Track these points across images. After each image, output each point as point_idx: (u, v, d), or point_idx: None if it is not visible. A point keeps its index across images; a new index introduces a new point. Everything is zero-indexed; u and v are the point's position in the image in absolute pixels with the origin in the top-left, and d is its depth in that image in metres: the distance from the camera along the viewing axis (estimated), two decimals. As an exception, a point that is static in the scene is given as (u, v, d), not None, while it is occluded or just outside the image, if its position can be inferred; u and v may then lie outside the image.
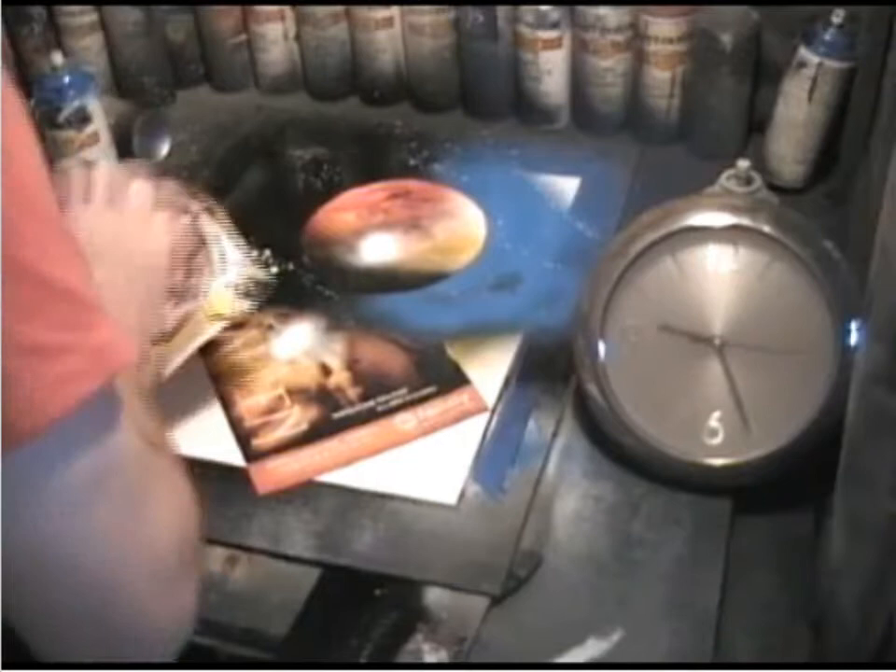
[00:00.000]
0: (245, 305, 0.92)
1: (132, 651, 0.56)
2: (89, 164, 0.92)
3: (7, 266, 0.46)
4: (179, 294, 0.88)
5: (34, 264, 0.48)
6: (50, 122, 1.12)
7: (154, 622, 0.56)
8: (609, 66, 1.23)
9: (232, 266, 0.93)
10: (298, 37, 1.36)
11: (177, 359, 0.87)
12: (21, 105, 0.51)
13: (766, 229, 0.84)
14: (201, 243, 0.92)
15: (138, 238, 0.85)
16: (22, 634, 0.56)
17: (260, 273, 0.94)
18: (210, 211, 0.94)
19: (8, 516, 0.49)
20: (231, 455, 0.90)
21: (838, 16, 1.07)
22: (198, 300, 0.89)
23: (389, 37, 1.32)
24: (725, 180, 1.07)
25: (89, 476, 0.51)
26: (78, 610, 0.54)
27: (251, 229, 1.15)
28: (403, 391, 0.94)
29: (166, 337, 0.86)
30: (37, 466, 0.49)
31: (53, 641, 0.57)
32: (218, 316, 0.91)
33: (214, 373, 0.98)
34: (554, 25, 1.23)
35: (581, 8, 1.21)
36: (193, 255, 0.91)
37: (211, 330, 0.90)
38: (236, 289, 0.92)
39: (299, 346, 1.00)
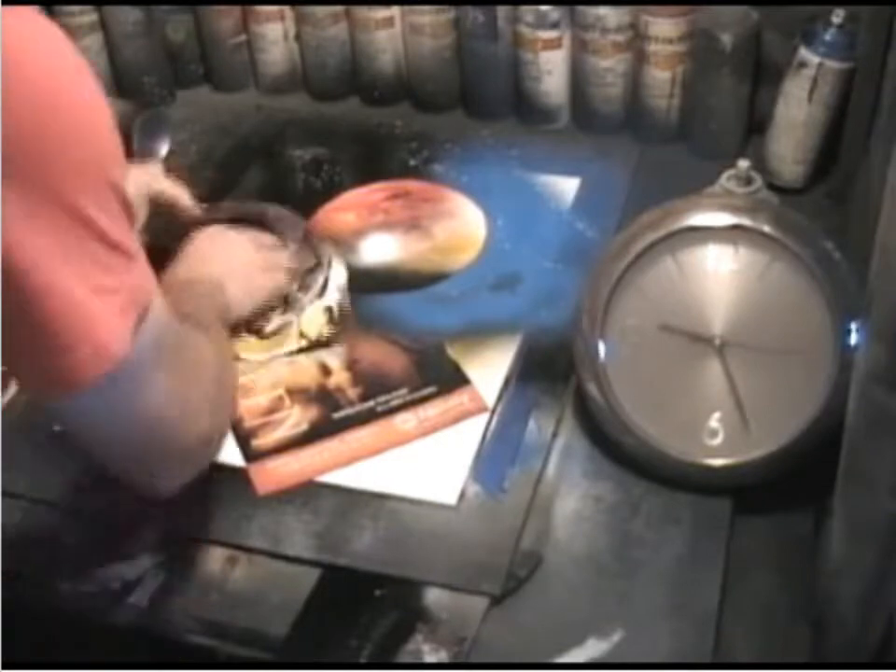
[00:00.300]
0: (328, 330, 1.00)
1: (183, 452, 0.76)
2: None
3: (86, 222, 0.62)
4: (289, 303, 1.00)
5: (99, 221, 0.63)
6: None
7: (201, 432, 0.76)
8: (609, 66, 1.23)
9: (332, 292, 1.01)
10: (298, 37, 1.37)
11: (258, 357, 0.98)
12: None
13: (766, 229, 0.84)
14: (317, 264, 1.03)
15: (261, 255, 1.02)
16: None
17: (348, 303, 1.01)
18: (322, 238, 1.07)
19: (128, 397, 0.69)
20: (231, 455, 0.90)
21: (838, 16, 1.07)
22: (297, 313, 1.00)
23: (389, 37, 1.32)
24: (725, 180, 1.07)
25: (151, 356, 0.69)
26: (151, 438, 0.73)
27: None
28: (403, 391, 0.94)
29: (263, 335, 0.99)
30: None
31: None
32: (305, 336, 0.99)
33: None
34: (554, 25, 1.23)
35: (580, 8, 1.21)
36: (310, 272, 1.02)
37: (294, 346, 0.99)
38: (329, 314, 1.00)
39: (298, 347, 1.00)
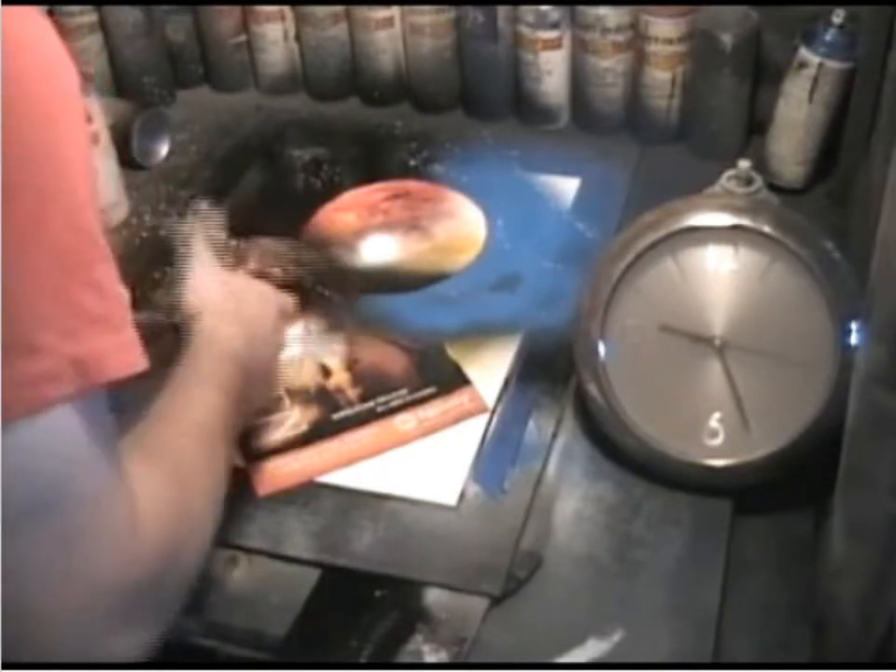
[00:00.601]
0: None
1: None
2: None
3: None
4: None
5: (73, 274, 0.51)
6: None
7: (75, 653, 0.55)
8: (609, 66, 1.23)
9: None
10: (298, 37, 1.37)
11: None
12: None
13: (767, 229, 0.84)
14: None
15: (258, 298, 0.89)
16: None
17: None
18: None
19: None
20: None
21: (838, 16, 1.07)
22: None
23: (389, 37, 1.32)
24: (726, 181, 1.07)
25: (27, 501, 0.50)
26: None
27: (251, 229, 1.15)
28: (403, 392, 0.94)
29: None
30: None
31: None
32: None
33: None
34: (554, 25, 1.23)
35: (581, 8, 1.21)
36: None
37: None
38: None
39: (299, 347, 1.00)
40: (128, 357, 0.53)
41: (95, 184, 0.54)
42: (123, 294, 0.55)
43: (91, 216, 0.53)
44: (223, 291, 0.85)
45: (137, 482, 0.58)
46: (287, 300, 0.92)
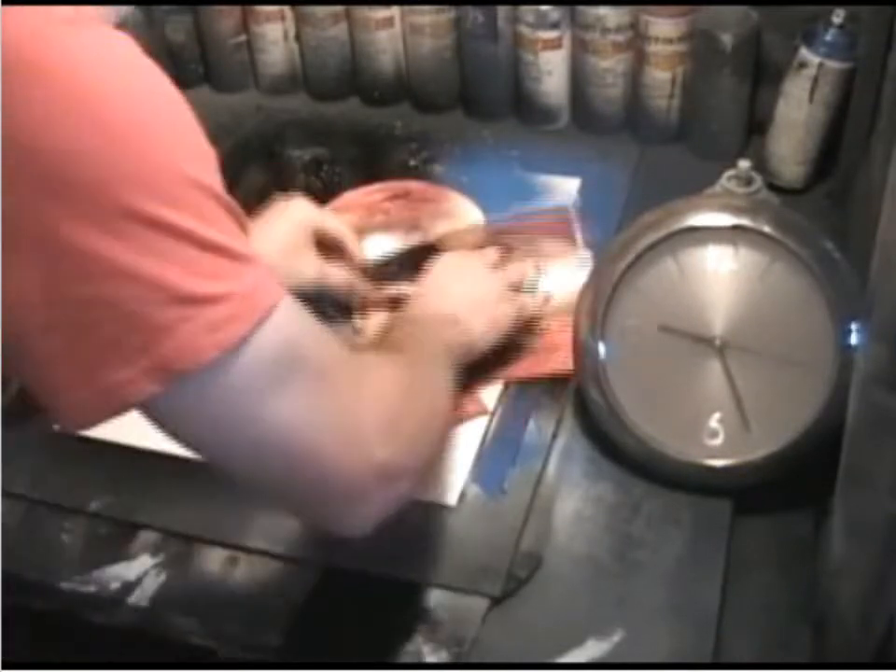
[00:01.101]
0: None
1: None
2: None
3: (156, 224, 0.54)
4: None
5: (181, 222, 0.55)
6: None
7: (372, 463, 0.64)
8: (609, 66, 1.23)
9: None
10: (298, 38, 1.37)
11: None
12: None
13: (767, 229, 0.84)
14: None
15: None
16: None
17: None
18: None
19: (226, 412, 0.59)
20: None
21: (839, 16, 1.07)
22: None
23: (389, 37, 1.32)
24: (726, 181, 1.07)
25: (267, 372, 0.59)
26: (279, 474, 0.63)
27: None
28: None
29: None
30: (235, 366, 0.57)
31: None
32: None
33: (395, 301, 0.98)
34: (554, 25, 1.23)
35: (580, 8, 1.21)
36: None
37: None
38: None
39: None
40: (275, 284, 0.60)
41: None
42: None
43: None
44: (458, 274, 0.95)
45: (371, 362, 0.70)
46: (514, 272, 0.99)
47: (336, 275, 1.00)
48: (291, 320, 0.61)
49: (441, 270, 0.95)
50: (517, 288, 0.97)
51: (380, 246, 1.11)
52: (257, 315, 0.57)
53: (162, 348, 0.54)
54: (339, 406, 0.63)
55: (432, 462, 0.76)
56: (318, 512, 0.67)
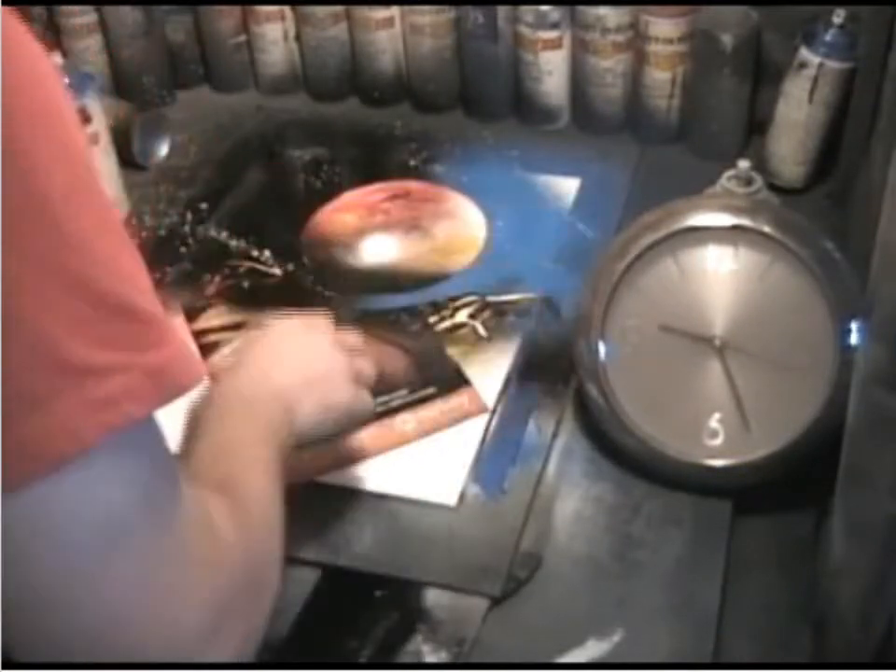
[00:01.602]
0: None
1: None
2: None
3: (57, 275, 0.44)
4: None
5: (87, 275, 0.45)
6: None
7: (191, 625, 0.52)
8: (610, 66, 1.23)
9: None
10: (298, 38, 1.37)
11: None
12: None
13: (767, 229, 0.84)
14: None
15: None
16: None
17: None
18: None
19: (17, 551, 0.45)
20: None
21: (839, 16, 1.07)
22: None
23: (389, 37, 1.32)
24: (726, 181, 1.07)
25: (116, 517, 0.47)
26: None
27: (251, 229, 1.15)
28: (403, 392, 0.94)
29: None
30: (61, 499, 0.45)
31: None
32: None
33: (213, 373, 0.98)
34: (554, 25, 1.23)
35: (581, 8, 1.21)
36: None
37: None
38: None
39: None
40: (194, 363, 0.50)
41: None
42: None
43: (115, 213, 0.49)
44: (298, 343, 0.80)
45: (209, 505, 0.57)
46: (366, 364, 0.84)
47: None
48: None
49: (276, 334, 0.81)
50: (362, 381, 0.82)
51: (380, 246, 1.11)
52: (162, 395, 0.47)
53: (49, 422, 0.44)
54: (168, 586, 0.50)
55: (265, 613, 0.60)
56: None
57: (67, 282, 0.44)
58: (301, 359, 0.78)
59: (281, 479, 0.68)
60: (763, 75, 1.19)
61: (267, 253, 1.11)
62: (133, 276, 0.47)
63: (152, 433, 0.49)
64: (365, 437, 0.91)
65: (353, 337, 0.85)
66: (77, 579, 0.47)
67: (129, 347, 0.46)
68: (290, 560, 0.82)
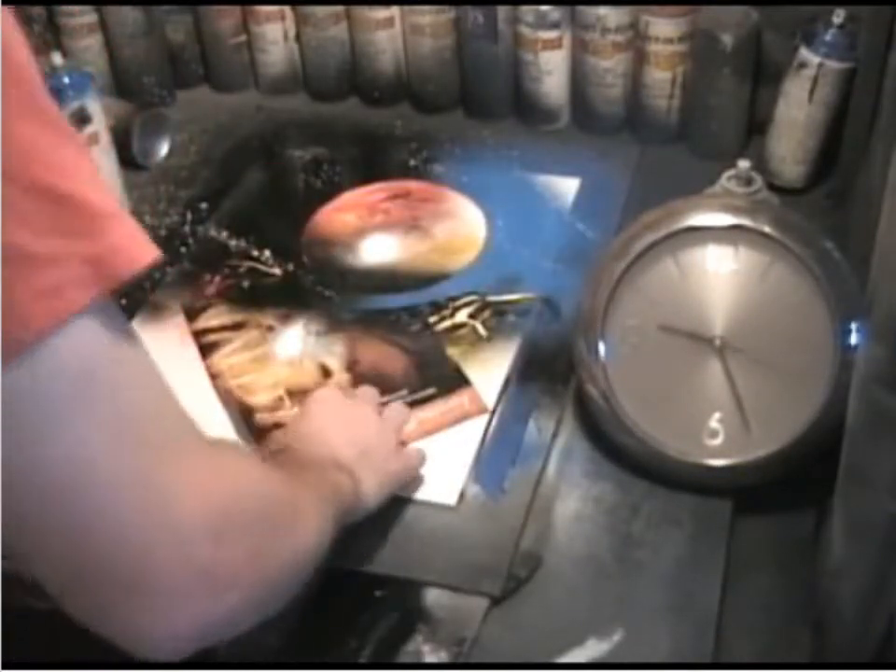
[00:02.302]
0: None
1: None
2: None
3: None
4: None
5: (27, 167, 0.45)
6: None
7: (195, 558, 0.51)
8: (610, 66, 1.23)
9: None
10: (298, 38, 1.37)
11: None
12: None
13: (767, 229, 0.84)
14: None
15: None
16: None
17: None
18: None
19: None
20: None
21: (839, 16, 1.07)
22: None
23: (389, 37, 1.32)
24: (726, 181, 1.07)
25: (78, 390, 0.47)
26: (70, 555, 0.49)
27: (251, 229, 1.15)
28: (403, 392, 0.94)
29: None
30: (28, 377, 0.46)
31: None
32: None
33: (213, 373, 0.98)
34: (554, 25, 1.23)
35: (580, 8, 1.21)
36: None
37: None
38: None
39: (299, 347, 1.00)
40: (140, 251, 0.49)
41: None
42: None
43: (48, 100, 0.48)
44: (345, 416, 0.83)
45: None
46: (402, 420, 0.87)
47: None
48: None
49: (323, 410, 0.83)
50: (400, 433, 0.86)
51: (380, 246, 1.11)
52: (102, 282, 0.47)
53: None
54: (156, 469, 0.50)
55: (279, 587, 0.60)
56: (113, 612, 0.51)
57: (8, 176, 0.44)
58: (353, 432, 0.81)
59: (327, 540, 0.66)
60: (762, 75, 1.19)
61: (267, 253, 1.11)
62: (75, 169, 0.48)
63: (108, 314, 0.49)
64: None
65: (372, 393, 0.89)
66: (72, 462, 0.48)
67: (69, 236, 0.46)
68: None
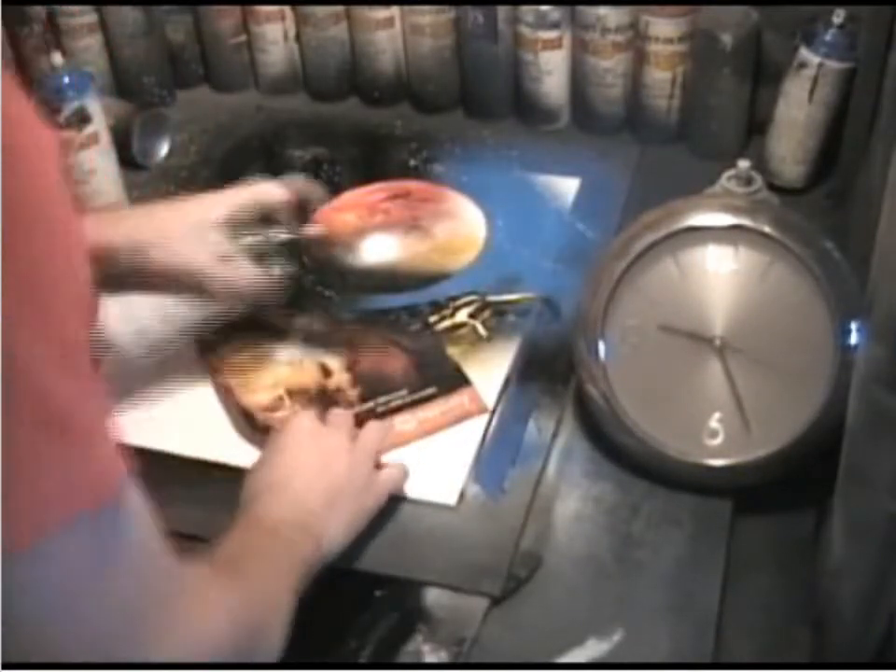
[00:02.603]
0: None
1: None
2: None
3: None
4: None
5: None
6: (50, 123, 1.12)
7: None
8: (610, 66, 1.23)
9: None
10: (298, 37, 1.37)
11: None
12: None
13: (767, 229, 0.84)
14: None
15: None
16: None
17: None
18: None
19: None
20: (231, 455, 0.90)
21: (838, 16, 1.07)
22: None
23: (389, 37, 1.32)
24: (726, 180, 1.07)
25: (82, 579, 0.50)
26: None
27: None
28: (403, 392, 0.94)
29: None
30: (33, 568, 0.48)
31: None
32: None
33: (213, 372, 0.98)
34: (554, 25, 1.23)
35: (580, 8, 1.21)
36: None
37: None
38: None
39: (299, 347, 1.00)
40: (110, 479, 0.50)
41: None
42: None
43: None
44: (317, 449, 0.82)
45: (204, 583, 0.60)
46: (377, 441, 0.87)
47: (273, 191, 0.96)
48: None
49: (292, 445, 0.82)
50: (376, 456, 0.85)
51: (380, 246, 1.11)
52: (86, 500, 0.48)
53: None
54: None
55: None
56: None
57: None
58: (323, 474, 0.80)
59: (291, 601, 0.69)
60: (762, 75, 1.19)
61: (267, 253, 1.10)
62: (78, 393, 0.48)
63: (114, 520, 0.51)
64: None
65: (345, 417, 0.88)
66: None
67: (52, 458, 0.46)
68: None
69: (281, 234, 0.97)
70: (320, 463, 0.80)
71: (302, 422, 0.85)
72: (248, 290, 0.92)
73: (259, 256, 0.95)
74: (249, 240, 0.94)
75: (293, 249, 0.98)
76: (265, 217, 0.96)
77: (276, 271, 0.96)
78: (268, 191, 0.97)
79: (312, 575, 0.73)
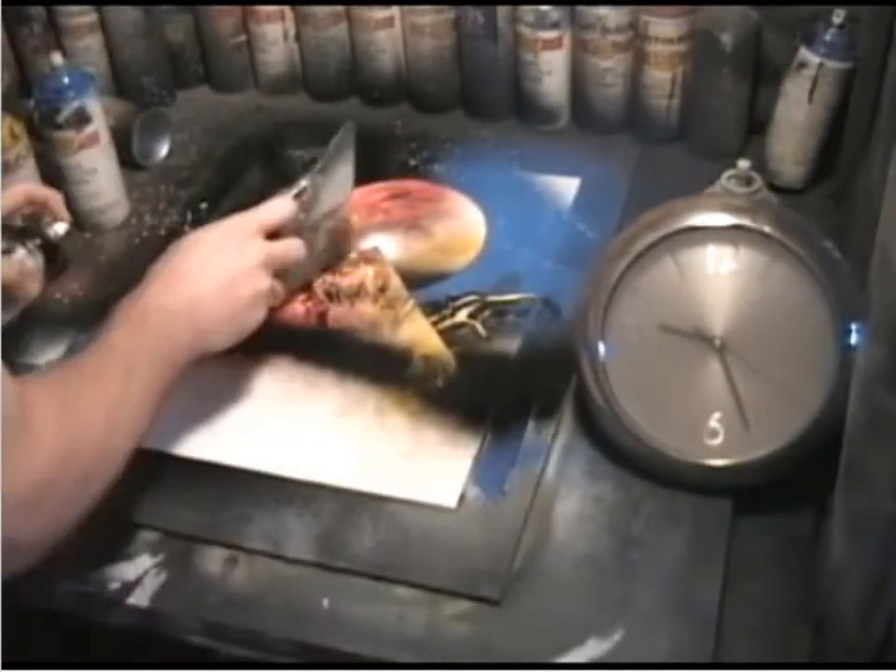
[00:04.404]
0: None
1: None
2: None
3: None
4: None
5: None
6: (50, 123, 1.12)
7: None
8: (609, 66, 1.23)
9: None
10: (298, 37, 1.37)
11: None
12: None
13: (767, 229, 0.84)
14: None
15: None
16: None
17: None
18: None
19: None
20: (230, 455, 0.90)
21: (838, 16, 1.07)
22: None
23: (389, 37, 1.32)
24: (725, 180, 1.07)
25: None
26: None
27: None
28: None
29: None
30: None
31: None
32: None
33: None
34: (554, 25, 1.23)
35: (580, 8, 1.21)
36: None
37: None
38: None
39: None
40: None
41: None
42: None
43: None
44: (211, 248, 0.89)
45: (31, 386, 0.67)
46: (273, 249, 0.92)
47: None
48: None
49: (183, 249, 0.88)
50: (275, 268, 0.91)
51: (380, 246, 1.11)
52: None
53: None
54: None
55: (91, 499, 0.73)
56: None
57: None
58: (201, 274, 0.85)
59: (155, 386, 0.78)
60: (762, 75, 1.19)
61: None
62: None
63: None
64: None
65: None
66: None
67: None
68: (290, 560, 0.82)
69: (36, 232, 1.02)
70: (198, 265, 0.86)
71: (198, 236, 0.90)
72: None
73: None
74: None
75: (48, 247, 1.03)
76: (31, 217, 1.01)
77: (31, 263, 1.01)
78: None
79: (193, 362, 0.82)
